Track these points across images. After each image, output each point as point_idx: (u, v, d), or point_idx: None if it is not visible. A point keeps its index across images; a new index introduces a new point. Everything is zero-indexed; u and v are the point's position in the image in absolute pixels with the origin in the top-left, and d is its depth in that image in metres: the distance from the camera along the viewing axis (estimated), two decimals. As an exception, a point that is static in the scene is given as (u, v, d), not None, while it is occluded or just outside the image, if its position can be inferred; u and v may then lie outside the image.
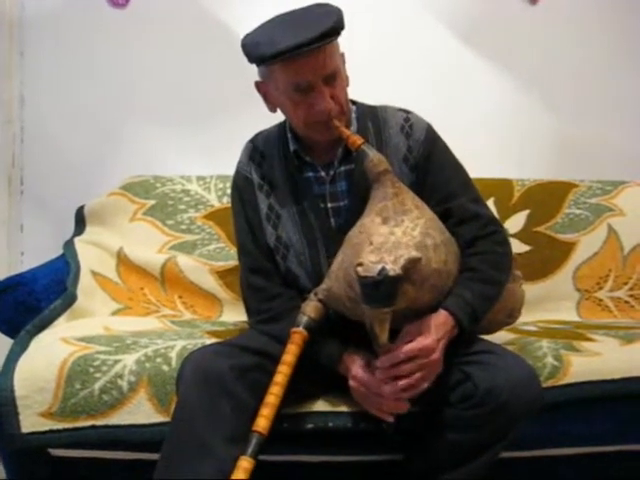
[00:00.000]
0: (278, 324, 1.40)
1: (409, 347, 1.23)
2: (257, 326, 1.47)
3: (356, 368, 1.32)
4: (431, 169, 1.46)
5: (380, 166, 1.35)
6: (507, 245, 1.46)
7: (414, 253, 1.21)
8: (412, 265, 1.20)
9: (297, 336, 1.30)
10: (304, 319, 1.32)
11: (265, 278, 1.48)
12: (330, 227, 1.47)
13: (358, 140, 1.39)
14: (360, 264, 1.20)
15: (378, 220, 1.30)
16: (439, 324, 1.27)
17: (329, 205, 1.47)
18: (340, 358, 1.35)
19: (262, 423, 1.21)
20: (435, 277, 1.27)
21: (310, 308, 1.34)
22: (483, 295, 1.34)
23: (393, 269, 1.17)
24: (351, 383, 1.33)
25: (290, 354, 1.28)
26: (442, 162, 1.48)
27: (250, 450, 1.18)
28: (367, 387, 1.30)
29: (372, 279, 1.17)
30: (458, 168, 1.50)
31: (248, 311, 1.52)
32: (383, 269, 1.17)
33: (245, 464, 1.17)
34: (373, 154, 1.37)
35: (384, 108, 1.53)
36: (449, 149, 1.52)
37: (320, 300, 1.35)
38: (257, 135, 1.58)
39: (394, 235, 1.26)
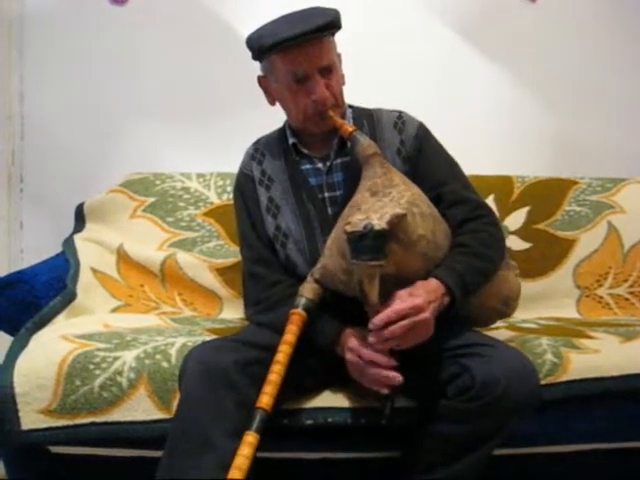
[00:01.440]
0: (277, 312, 1.42)
1: (400, 306, 1.25)
2: (256, 317, 1.50)
3: (352, 340, 1.34)
4: (423, 160, 1.52)
5: (370, 149, 1.42)
6: (498, 227, 1.50)
7: (399, 210, 1.25)
8: (397, 221, 1.24)
9: (296, 317, 1.33)
10: (302, 300, 1.35)
11: (266, 267, 1.52)
12: (327, 216, 1.51)
13: (350, 127, 1.46)
14: (348, 223, 1.25)
15: (367, 194, 1.35)
16: (429, 289, 1.30)
17: (326, 195, 1.53)
18: (338, 338, 1.37)
19: (265, 400, 1.22)
20: (424, 245, 1.30)
21: (307, 290, 1.36)
22: (473, 267, 1.37)
23: (379, 224, 1.22)
24: (347, 356, 1.34)
25: (290, 334, 1.30)
26: (434, 154, 1.54)
27: (255, 426, 1.19)
28: (362, 356, 1.31)
29: (358, 232, 1.22)
30: (450, 160, 1.56)
31: (247, 303, 1.55)
32: (369, 223, 1.22)
33: (250, 439, 1.18)
34: (364, 139, 1.44)
35: (379, 110, 1.61)
36: (441, 144, 1.58)
37: (317, 280, 1.37)
38: (259, 139, 1.66)
39: (381, 202, 1.30)
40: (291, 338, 1.29)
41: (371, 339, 1.28)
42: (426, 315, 1.26)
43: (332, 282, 1.36)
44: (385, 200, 1.30)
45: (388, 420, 1.33)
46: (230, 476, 1.14)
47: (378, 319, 1.26)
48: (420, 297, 1.27)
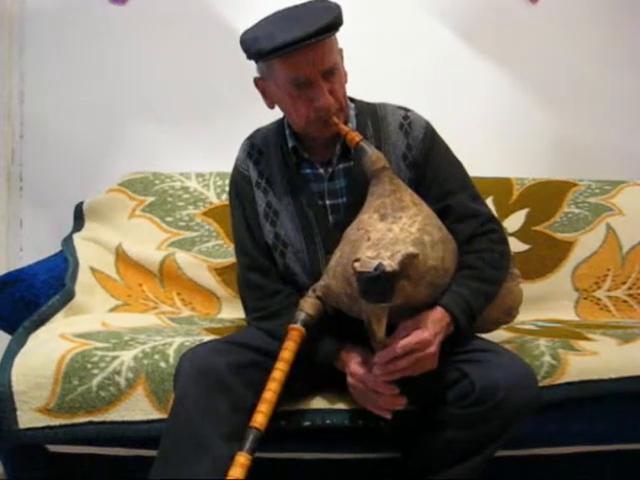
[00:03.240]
0: (276, 321, 1.40)
1: (406, 341, 1.23)
2: (255, 323, 1.47)
3: (354, 365, 1.32)
4: (430, 166, 1.46)
5: (378, 163, 1.36)
6: (505, 243, 1.46)
7: (411, 249, 1.21)
8: (409, 261, 1.20)
9: (294, 332, 1.30)
10: (302, 315, 1.32)
11: (263, 275, 1.48)
12: (328, 224, 1.46)
13: (357, 137, 1.39)
14: (357, 260, 1.20)
15: (376, 216, 1.30)
16: (435, 320, 1.28)
17: (327, 202, 1.47)
18: (337, 355, 1.35)
19: (259, 419, 1.20)
20: (432, 274, 1.27)
21: (308, 305, 1.34)
22: (480, 293, 1.35)
23: (390, 265, 1.17)
24: (349, 380, 1.33)
25: (287, 350, 1.27)
26: (441, 160, 1.48)
27: (247, 446, 1.18)
28: (365, 383, 1.30)
29: (369, 274, 1.17)
30: (457, 166, 1.50)
31: (246, 309, 1.52)
32: (380, 264, 1.17)
33: (242, 460, 1.16)
34: (372, 151, 1.37)
35: (383, 106, 1.52)
36: (448, 147, 1.52)
37: (318, 297, 1.35)
38: (255, 132, 1.58)
39: (392, 232, 1.26)
40: (288, 355, 1.27)
41: (376, 371, 1.26)
42: (432, 350, 1.25)
43: (335, 302, 1.34)
44: (395, 229, 1.26)
45: (388, 427, 1.33)
46: None
47: (385, 354, 1.24)
48: (427, 331, 1.25)
